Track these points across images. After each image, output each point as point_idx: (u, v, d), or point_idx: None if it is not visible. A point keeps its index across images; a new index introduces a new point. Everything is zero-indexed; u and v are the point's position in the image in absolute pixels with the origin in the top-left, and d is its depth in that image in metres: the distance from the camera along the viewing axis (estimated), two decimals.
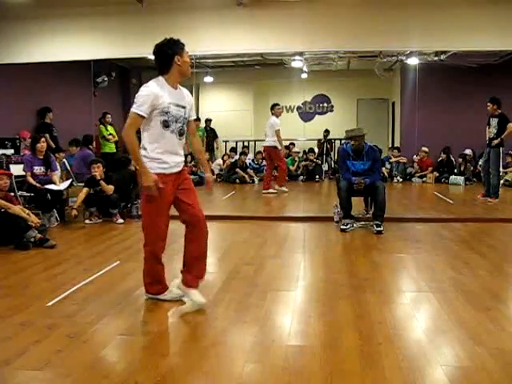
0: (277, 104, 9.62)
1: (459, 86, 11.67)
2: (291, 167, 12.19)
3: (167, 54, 3.16)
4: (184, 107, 3.28)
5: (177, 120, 3.21)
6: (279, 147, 9.38)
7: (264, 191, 9.36)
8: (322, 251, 5.03)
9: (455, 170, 11.44)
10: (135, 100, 3.10)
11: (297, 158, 12.54)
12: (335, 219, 6.28)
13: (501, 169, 8.01)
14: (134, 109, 3.07)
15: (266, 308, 3.30)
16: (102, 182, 6.54)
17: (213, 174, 11.88)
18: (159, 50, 3.20)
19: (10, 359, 2.52)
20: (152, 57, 3.26)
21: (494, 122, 7.98)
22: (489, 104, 8.00)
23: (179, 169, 3.31)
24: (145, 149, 3.19)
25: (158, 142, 3.18)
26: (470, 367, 2.41)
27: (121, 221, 6.56)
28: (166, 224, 3.33)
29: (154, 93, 3.09)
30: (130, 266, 4.37)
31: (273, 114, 9.40)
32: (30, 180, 6.45)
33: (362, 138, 6.01)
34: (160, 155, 3.18)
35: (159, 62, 3.21)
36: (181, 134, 3.28)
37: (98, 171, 6.62)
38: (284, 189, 9.47)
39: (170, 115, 3.17)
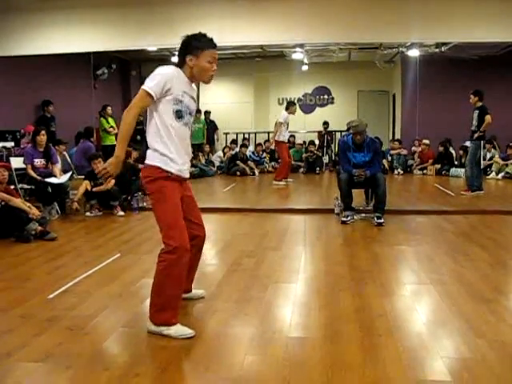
0: (293, 103, 9.78)
1: (460, 78, 11.58)
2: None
3: (181, 49, 2.81)
4: (195, 101, 2.94)
5: (190, 112, 2.83)
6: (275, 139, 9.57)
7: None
8: (323, 243, 5.03)
9: (455, 162, 11.41)
10: (147, 79, 2.71)
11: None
12: (336, 211, 6.28)
13: (481, 161, 7.94)
14: (143, 86, 2.67)
15: (267, 300, 3.30)
16: (102, 187, 6.55)
17: (213, 166, 11.91)
18: (182, 40, 2.84)
19: (11, 352, 2.53)
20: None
21: (475, 114, 7.86)
22: (470, 96, 7.88)
23: (187, 175, 2.89)
24: (154, 143, 2.73)
25: (169, 135, 2.72)
26: (470, 359, 2.41)
27: (121, 213, 6.56)
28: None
29: (168, 74, 2.71)
30: (130, 259, 4.38)
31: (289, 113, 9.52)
32: (31, 173, 6.46)
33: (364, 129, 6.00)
34: (169, 152, 2.72)
35: (178, 53, 2.85)
36: (189, 130, 2.88)
37: (99, 166, 6.62)
38: (281, 182, 9.49)
39: (184, 105, 2.76)
